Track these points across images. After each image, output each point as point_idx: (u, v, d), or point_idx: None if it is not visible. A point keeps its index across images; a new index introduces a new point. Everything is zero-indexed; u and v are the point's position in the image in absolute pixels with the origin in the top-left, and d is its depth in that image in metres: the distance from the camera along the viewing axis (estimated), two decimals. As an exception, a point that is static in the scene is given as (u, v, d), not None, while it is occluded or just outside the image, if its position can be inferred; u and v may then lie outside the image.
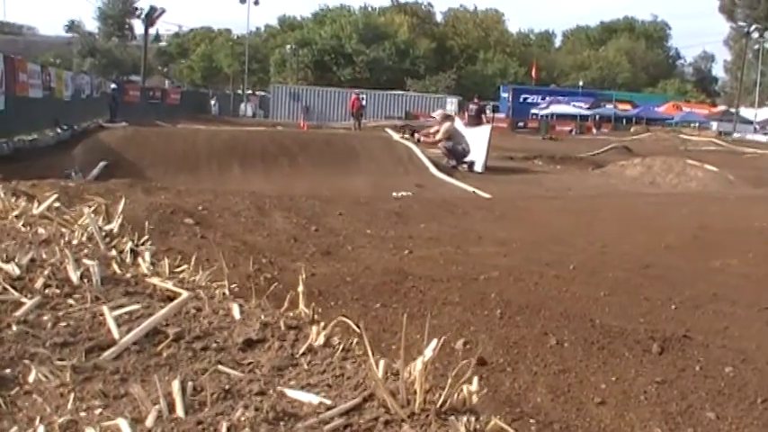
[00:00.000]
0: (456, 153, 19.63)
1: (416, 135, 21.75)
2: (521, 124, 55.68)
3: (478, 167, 19.49)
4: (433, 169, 18.54)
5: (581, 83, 73.94)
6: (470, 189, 14.86)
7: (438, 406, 1.56)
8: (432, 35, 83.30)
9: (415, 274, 5.21)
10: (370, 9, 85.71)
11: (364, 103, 45.41)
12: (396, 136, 23.28)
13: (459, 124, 22.26)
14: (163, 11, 58.06)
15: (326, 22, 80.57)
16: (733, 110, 63.61)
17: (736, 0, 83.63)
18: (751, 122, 61.80)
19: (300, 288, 2.29)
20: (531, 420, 3.17)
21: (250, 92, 68.90)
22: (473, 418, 1.52)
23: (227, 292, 2.45)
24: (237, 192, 8.72)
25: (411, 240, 6.75)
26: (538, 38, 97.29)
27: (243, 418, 1.50)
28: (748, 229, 7.85)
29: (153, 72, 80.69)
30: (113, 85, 38.57)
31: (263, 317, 2.13)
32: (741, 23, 77.67)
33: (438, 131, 20.13)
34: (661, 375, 3.63)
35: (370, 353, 1.73)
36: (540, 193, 13.86)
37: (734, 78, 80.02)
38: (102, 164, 16.72)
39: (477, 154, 19.78)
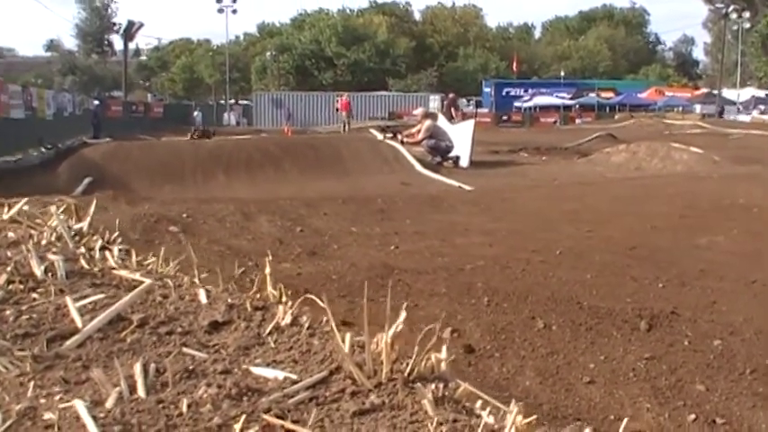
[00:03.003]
0: (440, 150, 19.59)
1: (399, 136, 21.69)
2: (505, 118, 55.73)
3: (464, 162, 19.46)
4: (418, 167, 18.50)
5: (562, 73, 74.23)
6: (456, 184, 14.84)
7: (406, 375, 1.56)
8: (411, 34, 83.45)
9: (401, 268, 5.20)
10: (348, 11, 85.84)
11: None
12: (380, 136, 23.26)
13: (441, 121, 22.22)
14: (141, 25, 57.91)
15: (305, 26, 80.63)
16: (715, 92, 63.83)
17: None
18: (734, 103, 62.02)
19: (267, 270, 2.29)
20: (520, 403, 3.16)
21: (233, 101, 68.82)
22: (441, 385, 1.52)
23: (196, 280, 2.44)
24: (222, 198, 8.70)
25: (397, 236, 6.73)
26: (517, 31, 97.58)
27: (204, 396, 1.49)
28: (733, 207, 7.87)
29: (135, 86, 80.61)
30: (96, 102, 38.44)
31: (229, 300, 2.13)
32: (719, 5, 77.87)
33: (420, 130, 20.09)
34: (649, 352, 3.62)
35: (334, 327, 1.72)
36: (525, 184, 13.84)
37: (714, 60, 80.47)
38: (86, 180, 16.62)
39: (462, 149, 19.76)
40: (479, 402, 1.52)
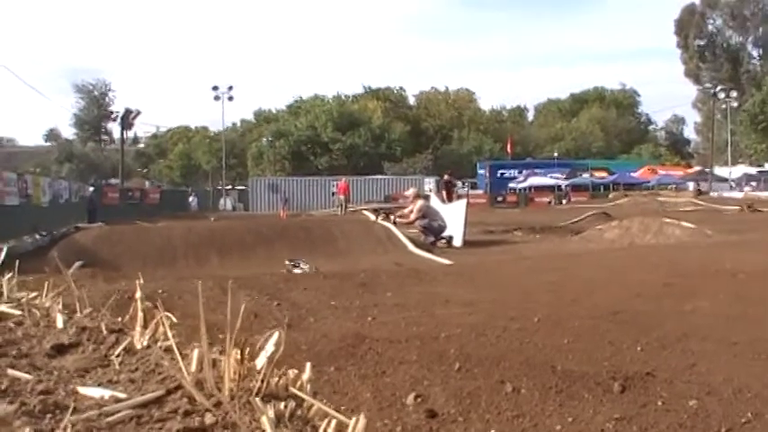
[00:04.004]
0: (433, 230, 19.58)
1: (392, 217, 21.71)
2: (500, 199, 56.05)
3: (457, 242, 19.42)
4: (411, 247, 18.43)
5: (556, 154, 75.00)
6: (447, 262, 14.74)
7: (254, 393, 1.46)
8: (406, 118, 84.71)
9: (374, 338, 5.06)
10: (343, 97, 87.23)
11: (348, 188, 46.06)
12: (373, 217, 23.28)
13: (434, 201, 22.30)
14: (138, 112, 58.90)
15: (301, 112, 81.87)
16: (707, 169, 64.43)
17: (701, 64, 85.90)
18: (726, 180, 62.55)
19: (138, 294, 2.21)
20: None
21: (229, 186, 69.34)
22: (293, 403, 1.42)
23: (59, 305, 2.35)
24: (202, 275, 8.59)
25: (376, 308, 6.60)
26: (510, 114, 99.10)
27: (1, 413, 1.39)
28: (719, 273, 7.77)
29: (133, 174, 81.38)
30: (91, 188, 38.66)
31: (86, 323, 2.03)
32: (707, 86, 79.42)
33: (412, 211, 20.12)
34: (620, 413, 3.47)
35: (173, 344, 1.63)
36: (511, 258, 13.75)
37: (705, 139, 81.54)
38: (77, 264, 16.51)
39: (455, 229, 19.75)
40: (334, 422, 1.41)
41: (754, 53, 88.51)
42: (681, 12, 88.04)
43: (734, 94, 71.52)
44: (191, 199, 54.14)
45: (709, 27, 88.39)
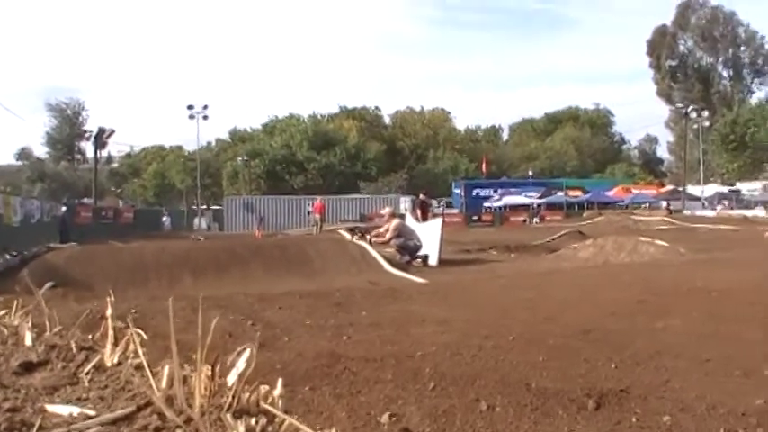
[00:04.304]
0: (408, 249, 19.59)
1: (367, 236, 21.68)
2: (475, 218, 56.22)
3: (433, 261, 19.43)
4: (386, 266, 18.42)
5: (531, 173, 75.46)
6: (423, 281, 14.72)
7: (225, 409, 1.44)
8: (381, 138, 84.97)
9: (349, 357, 5.03)
10: (318, 116, 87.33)
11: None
12: (348, 236, 23.25)
13: (409, 220, 22.33)
14: (112, 131, 58.32)
15: (276, 132, 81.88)
16: (680, 188, 65.10)
17: (673, 84, 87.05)
18: (699, 199, 63.23)
19: (108, 312, 2.19)
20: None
21: (204, 206, 69.01)
22: (264, 419, 1.40)
23: (29, 325, 2.32)
24: (173, 295, 8.50)
25: (351, 327, 6.57)
26: (485, 133, 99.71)
27: None
28: (691, 291, 7.82)
29: (106, 193, 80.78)
30: (64, 208, 38.28)
31: (55, 341, 2.00)
32: (679, 105, 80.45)
33: (388, 230, 20.12)
34: (595, 429, 3.48)
35: (144, 361, 1.61)
36: (487, 277, 13.77)
37: (678, 158, 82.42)
38: (48, 284, 16.27)
39: (431, 248, 19.77)
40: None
41: (725, 74, 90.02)
42: (653, 33, 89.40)
43: (705, 113, 72.60)
44: (164, 219, 53.76)
45: (681, 48, 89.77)
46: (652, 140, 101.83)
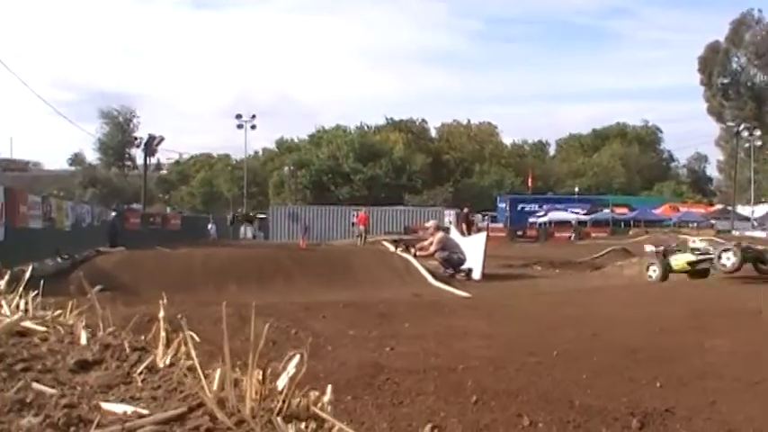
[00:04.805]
0: (452, 262, 19.55)
1: (412, 249, 21.68)
2: (519, 233, 55.77)
3: (476, 275, 19.36)
4: (430, 279, 18.41)
5: (577, 189, 74.75)
6: (467, 295, 14.69)
7: (276, 413, 1.47)
8: (427, 150, 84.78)
9: (392, 368, 5.06)
10: (365, 128, 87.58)
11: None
12: (392, 248, 23.28)
13: (453, 233, 22.29)
14: (162, 139, 59.13)
15: (323, 143, 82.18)
16: (730, 207, 63.99)
17: (724, 102, 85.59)
18: (749, 219, 62.05)
19: (161, 314, 2.24)
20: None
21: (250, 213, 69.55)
22: (314, 424, 1.43)
23: (83, 324, 2.38)
24: (220, 302, 8.62)
25: (394, 339, 6.60)
26: (532, 148, 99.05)
27: (26, 424, 1.41)
28: (740, 311, 7.70)
29: (155, 199, 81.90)
30: (113, 213, 38.88)
31: (109, 341, 2.05)
32: (730, 124, 79.12)
33: (432, 243, 20.12)
34: (639, 449, 3.45)
35: (196, 363, 1.65)
36: (530, 293, 13.70)
37: (728, 177, 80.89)
38: (96, 288, 16.56)
39: (474, 261, 19.70)
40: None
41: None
42: (705, 49, 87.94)
43: (757, 132, 71.26)
44: (210, 226, 54.26)
45: (734, 65, 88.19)
46: (701, 158, 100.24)
